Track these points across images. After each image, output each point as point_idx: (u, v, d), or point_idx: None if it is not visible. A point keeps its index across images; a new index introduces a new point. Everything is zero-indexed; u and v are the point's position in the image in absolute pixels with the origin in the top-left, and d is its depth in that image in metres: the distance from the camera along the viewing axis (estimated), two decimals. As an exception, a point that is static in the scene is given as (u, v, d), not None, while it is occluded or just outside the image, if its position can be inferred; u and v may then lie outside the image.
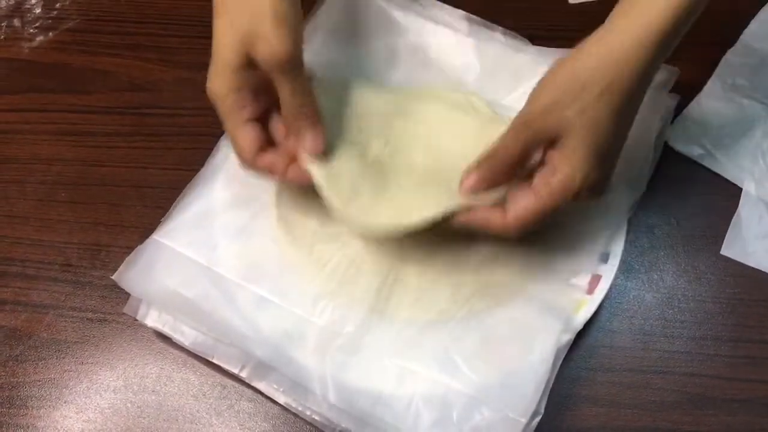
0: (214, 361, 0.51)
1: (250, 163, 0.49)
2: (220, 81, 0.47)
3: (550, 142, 0.45)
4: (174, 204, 0.54)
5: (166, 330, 0.51)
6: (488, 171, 0.47)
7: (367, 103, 0.55)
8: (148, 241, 0.53)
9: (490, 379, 0.48)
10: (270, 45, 0.45)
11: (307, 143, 0.48)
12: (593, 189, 0.45)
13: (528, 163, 0.47)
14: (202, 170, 0.56)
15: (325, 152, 0.50)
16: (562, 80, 0.44)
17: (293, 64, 0.46)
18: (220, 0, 0.48)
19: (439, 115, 0.55)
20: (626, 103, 0.44)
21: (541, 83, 0.45)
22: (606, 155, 0.45)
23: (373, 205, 0.49)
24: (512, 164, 0.46)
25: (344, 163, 0.50)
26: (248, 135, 0.48)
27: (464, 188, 0.47)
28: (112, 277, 0.52)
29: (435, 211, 0.47)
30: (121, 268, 0.52)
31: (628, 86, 0.44)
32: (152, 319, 0.52)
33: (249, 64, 0.47)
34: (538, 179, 0.45)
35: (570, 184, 0.44)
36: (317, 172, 0.49)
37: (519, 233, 0.46)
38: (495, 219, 0.46)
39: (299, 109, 0.48)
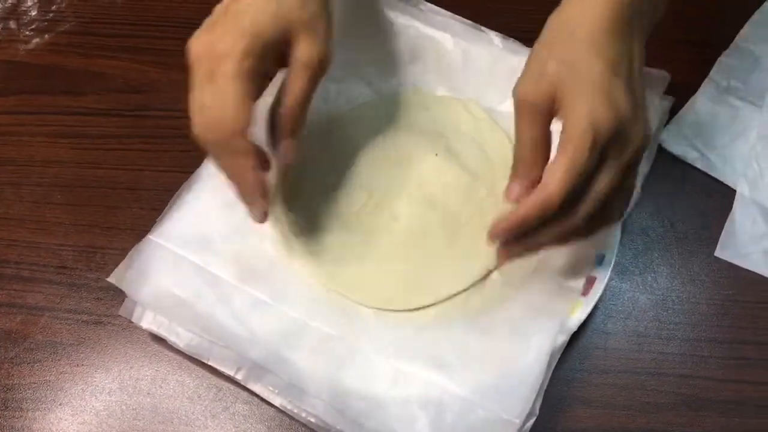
0: (210, 363, 0.51)
1: (233, 134, 0.44)
2: (234, 39, 0.44)
3: (556, 106, 0.43)
4: (169, 203, 0.55)
5: (161, 332, 0.51)
6: (523, 169, 0.45)
7: (355, 149, 0.56)
8: (143, 241, 0.53)
9: (485, 380, 0.48)
10: (322, 43, 0.46)
11: (283, 150, 0.48)
12: (612, 127, 0.41)
13: (550, 139, 0.45)
14: (198, 170, 0.56)
15: (309, 220, 0.53)
16: (536, 51, 0.45)
17: (326, 70, 0.47)
18: None
19: (431, 166, 0.55)
20: (613, 41, 0.43)
21: (525, 65, 0.45)
22: (611, 90, 0.42)
23: (356, 276, 0.51)
24: (537, 147, 0.44)
25: (326, 232, 0.53)
26: (247, 104, 0.44)
27: (512, 201, 0.45)
28: (108, 279, 0.51)
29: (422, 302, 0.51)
30: (117, 268, 0.52)
31: (607, 25, 0.43)
32: (147, 321, 0.52)
33: (282, 42, 0.45)
34: (559, 142, 0.43)
35: (584, 125, 0.41)
36: (299, 246, 0.51)
37: (564, 198, 0.42)
38: (538, 198, 0.42)
39: (300, 114, 0.47)
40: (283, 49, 0.46)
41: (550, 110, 0.43)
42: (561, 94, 0.43)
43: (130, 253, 0.52)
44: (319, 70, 0.47)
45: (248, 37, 0.44)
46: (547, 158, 0.45)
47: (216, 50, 0.44)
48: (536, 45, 0.45)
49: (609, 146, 0.42)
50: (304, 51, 0.46)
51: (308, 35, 0.46)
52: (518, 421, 0.46)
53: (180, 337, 0.51)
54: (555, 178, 0.42)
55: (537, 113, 0.44)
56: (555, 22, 0.45)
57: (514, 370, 0.48)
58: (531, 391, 0.47)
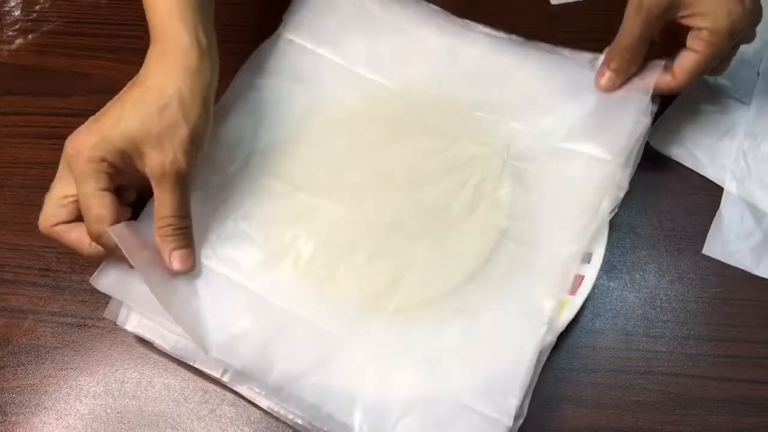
0: (196, 365, 0.50)
1: (99, 233, 0.46)
2: (95, 144, 0.46)
3: (669, 9, 0.49)
4: (149, 202, 0.53)
5: (146, 335, 0.51)
6: (618, 62, 0.53)
7: (343, 151, 0.56)
8: None
9: (473, 379, 0.48)
10: (175, 151, 0.46)
11: (175, 263, 0.49)
12: (748, 20, 0.49)
13: (650, 43, 0.52)
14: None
15: (297, 220, 0.53)
16: None
17: (186, 180, 0.48)
18: (143, 76, 0.48)
19: (418, 167, 0.55)
20: None
21: None
22: None
23: (343, 277, 0.51)
24: (638, 47, 0.52)
25: (314, 232, 0.53)
26: (107, 205, 0.46)
27: (600, 88, 0.54)
28: (90, 281, 0.51)
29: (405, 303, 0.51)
30: (99, 270, 0.51)
31: None
32: (132, 324, 0.51)
33: (133, 153, 0.47)
34: (690, 38, 0.50)
35: (718, 30, 0.49)
36: (287, 246, 0.52)
37: (688, 86, 0.53)
38: (667, 82, 0.53)
39: (176, 224, 0.48)
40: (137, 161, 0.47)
41: (667, 12, 0.50)
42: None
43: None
44: (174, 177, 0.47)
45: (102, 139, 0.46)
46: (642, 59, 0.53)
47: (74, 150, 0.46)
48: None
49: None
50: (151, 163, 0.46)
51: (157, 147, 0.46)
52: (506, 420, 0.46)
53: (165, 339, 0.50)
54: (687, 72, 0.51)
55: (652, 14, 0.50)
56: None
57: (502, 369, 0.48)
58: (520, 391, 0.47)
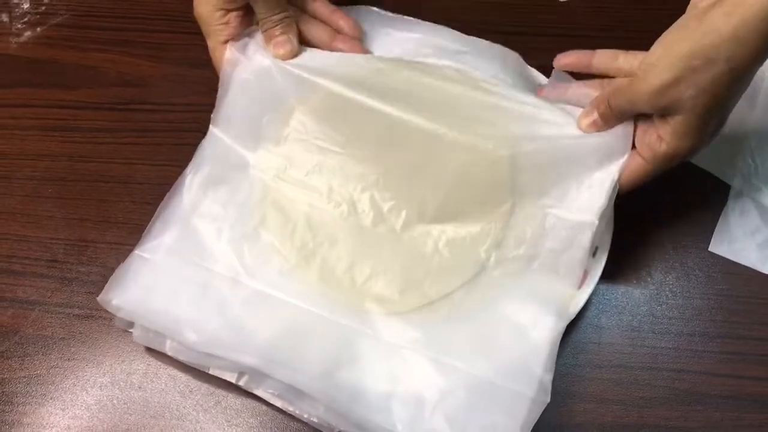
0: (211, 372, 0.49)
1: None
2: (205, 5, 0.55)
3: (660, 113, 0.47)
4: (156, 214, 0.52)
5: (163, 349, 0.50)
6: (603, 109, 0.50)
7: (342, 148, 0.55)
8: (130, 257, 0.51)
9: (488, 370, 0.47)
10: None
11: (273, 50, 0.55)
12: (695, 152, 0.48)
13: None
14: (184, 174, 0.54)
15: (304, 219, 0.52)
16: (683, 54, 0.45)
17: None
18: None
19: (421, 164, 0.54)
20: (745, 79, 0.46)
21: (658, 55, 0.46)
22: (713, 128, 0.47)
23: (350, 277, 0.51)
24: (629, 115, 0.50)
25: (321, 233, 0.52)
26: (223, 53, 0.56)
27: (582, 127, 0.51)
28: (98, 299, 0.50)
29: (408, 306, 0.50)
30: (106, 289, 0.49)
31: (750, 63, 0.44)
32: (146, 338, 0.50)
33: None
34: (645, 146, 0.49)
35: (674, 154, 0.48)
36: (294, 248, 0.51)
37: (627, 191, 0.50)
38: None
39: (271, 20, 0.54)
40: None
41: (667, 109, 0.47)
42: (678, 117, 0.46)
43: (116, 272, 0.50)
44: None
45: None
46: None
47: (198, 18, 0.55)
48: (684, 42, 0.45)
49: None
50: None
51: None
52: (541, 396, 0.46)
53: (181, 351, 0.50)
54: (627, 177, 0.50)
55: (638, 112, 0.49)
56: (716, 40, 0.43)
57: (513, 360, 0.47)
58: (542, 370, 0.46)
